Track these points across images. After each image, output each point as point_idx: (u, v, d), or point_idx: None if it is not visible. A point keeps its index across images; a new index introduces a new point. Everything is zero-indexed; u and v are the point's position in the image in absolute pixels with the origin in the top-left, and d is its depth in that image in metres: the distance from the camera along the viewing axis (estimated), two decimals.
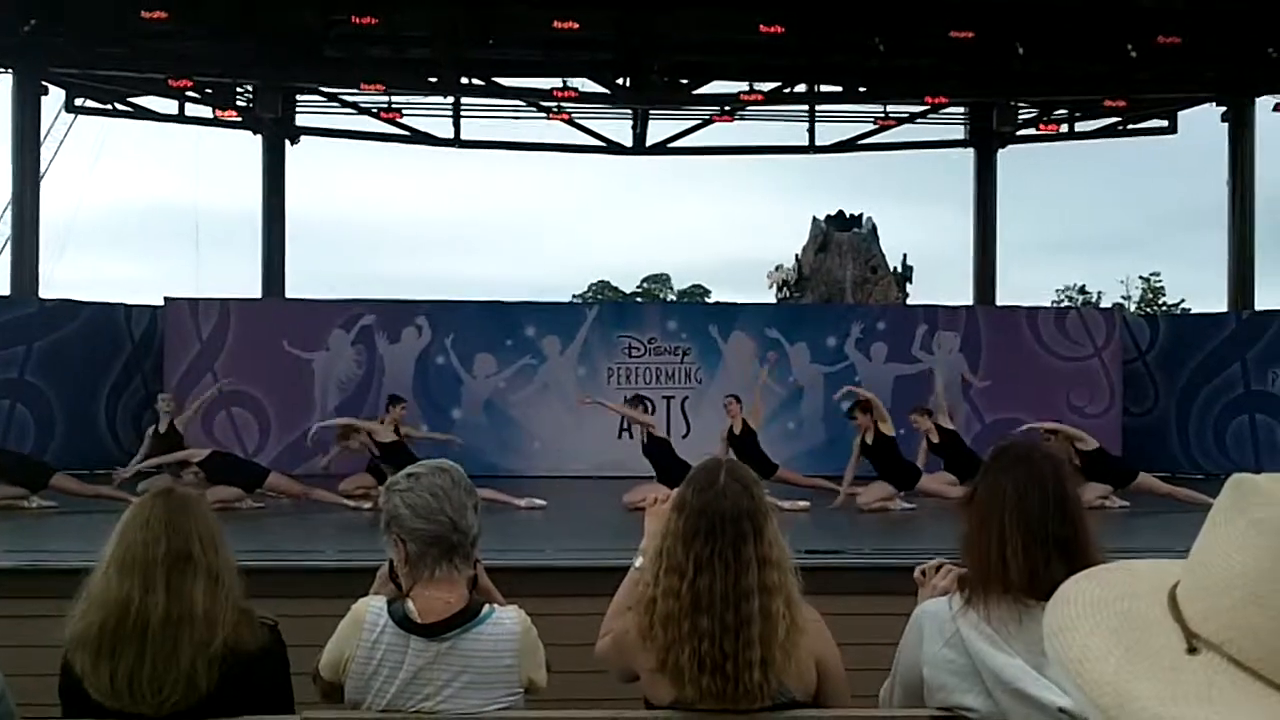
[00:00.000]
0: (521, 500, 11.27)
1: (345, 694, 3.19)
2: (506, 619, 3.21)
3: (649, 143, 21.24)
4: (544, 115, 19.94)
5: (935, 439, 12.45)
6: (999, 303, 19.53)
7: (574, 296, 45.87)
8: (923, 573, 3.31)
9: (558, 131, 20.60)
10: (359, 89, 19.22)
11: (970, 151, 20.87)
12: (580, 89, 18.96)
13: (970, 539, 2.99)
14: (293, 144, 20.75)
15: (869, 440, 11.77)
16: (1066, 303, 40.57)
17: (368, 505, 11.17)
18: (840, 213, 25.42)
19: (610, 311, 20.58)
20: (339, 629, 3.21)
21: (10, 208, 17.69)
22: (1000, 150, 20.58)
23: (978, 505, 3.00)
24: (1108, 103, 18.86)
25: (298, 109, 20.63)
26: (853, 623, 4.01)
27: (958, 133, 21.09)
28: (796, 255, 25.80)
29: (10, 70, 17.07)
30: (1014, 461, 3.03)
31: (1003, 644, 2.85)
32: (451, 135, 20.99)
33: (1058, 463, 3.12)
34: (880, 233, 25.26)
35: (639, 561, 3.44)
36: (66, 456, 15.30)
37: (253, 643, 3.07)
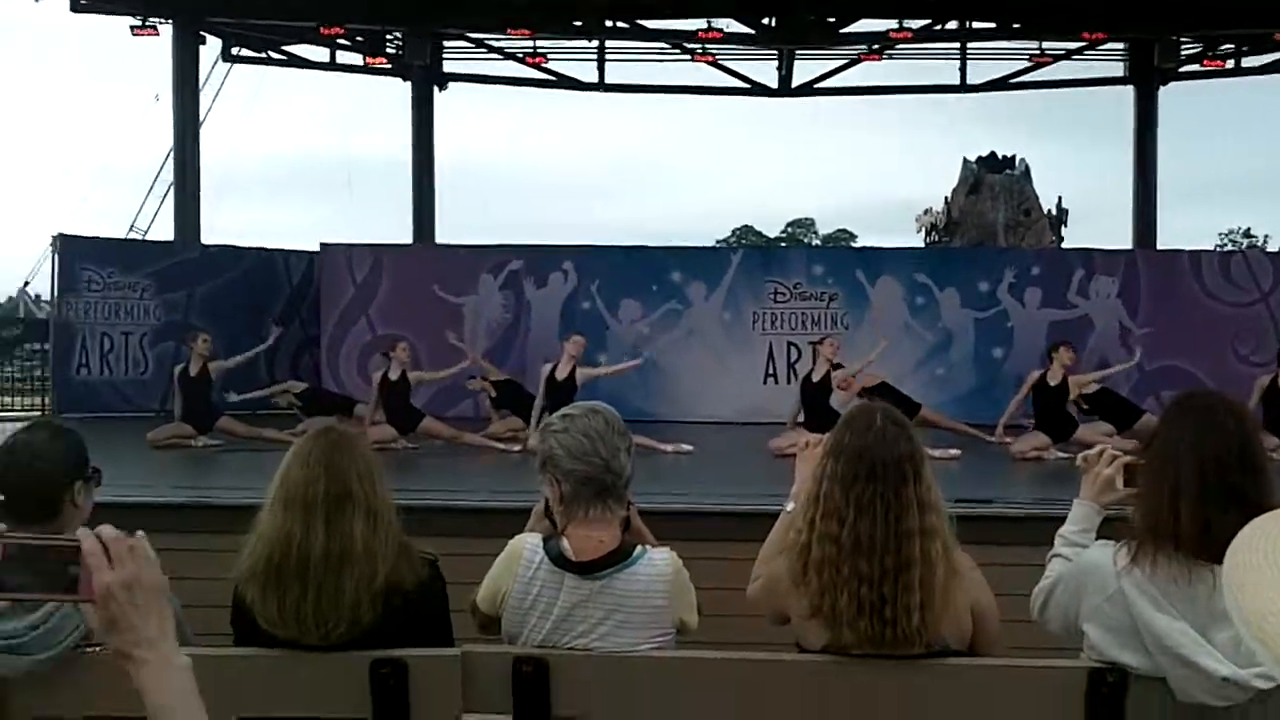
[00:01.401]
0: (668, 445, 11.28)
1: (502, 627, 3.25)
2: (659, 560, 3.23)
3: (795, 84, 20.97)
4: (688, 57, 19.81)
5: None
6: (1159, 247, 18.85)
7: (717, 241, 45.74)
8: (1085, 459, 3.24)
9: (702, 74, 20.47)
10: (505, 34, 19.33)
11: (1130, 89, 20.11)
12: (725, 29, 18.77)
13: (1142, 490, 2.90)
14: (440, 90, 21.00)
15: (1052, 382, 11.35)
16: (1231, 246, 39.00)
17: (516, 448, 11.36)
18: (992, 154, 24.79)
19: (755, 256, 20.47)
20: (496, 563, 3.28)
21: (172, 156, 18.30)
22: (1161, 88, 19.77)
23: (1153, 455, 2.90)
24: (1277, 36, 17.94)
25: (445, 55, 20.86)
26: (1006, 574, 3.93)
27: (1117, 70, 20.34)
28: (946, 198, 25.28)
29: (170, 20, 17.58)
30: (1194, 410, 2.92)
31: (1167, 605, 2.77)
32: (596, 79, 21.01)
33: (1241, 411, 3.00)
34: (1034, 174, 24.59)
35: (790, 506, 3.43)
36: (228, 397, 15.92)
37: (413, 577, 3.14)
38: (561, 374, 11.71)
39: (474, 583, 3.31)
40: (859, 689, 3.01)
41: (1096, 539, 3.14)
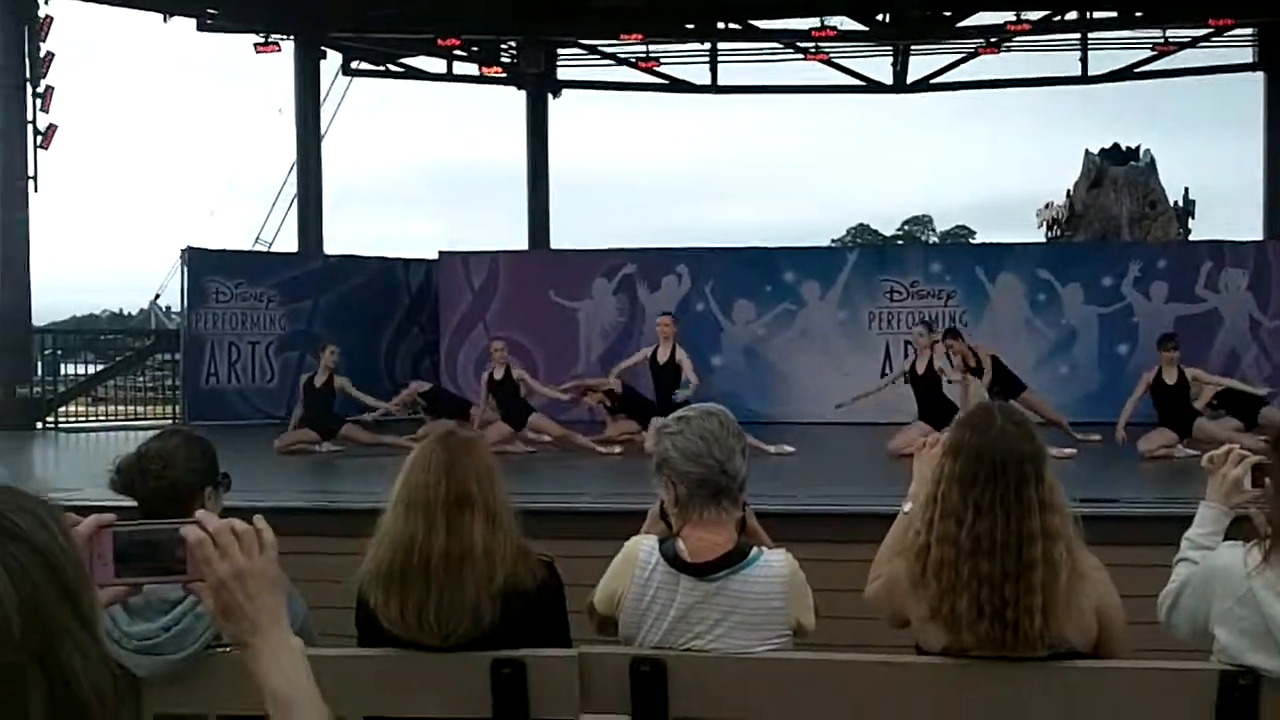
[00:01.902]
0: (771, 446, 11.19)
1: (619, 629, 3.28)
2: (775, 561, 3.22)
3: (910, 79, 20.74)
4: (801, 56, 19.70)
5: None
6: None
7: (832, 241, 45.41)
8: (1211, 460, 3.15)
9: (815, 72, 20.34)
10: (617, 39, 19.44)
11: (1259, 76, 19.46)
12: (838, 27, 18.63)
13: (1273, 488, 2.81)
14: (555, 97, 21.20)
15: (1169, 380, 11.06)
16: None
17: (618, 449, 11.42)
18: (1115, 146, 24.16)
19: (871, 255, 20.26)
20: (613, 565, 3.30)
21: (295, 168, 18.77)
22: None
23: None
24: None
25: (559, 62, 21.06)
26: (1133, 575, 3.84)
27: (1245, 56, 19.70)
28: (1068, 192, 24.71)
29: (291, 36, 18.04)
30: None
31: None
32: (708, 81, 21.02)
33: None
34: (1160, 166, 23.89)
35: (908, 506, 3.39)
36: (349, 405, 16.24)
37: (531, 579, 3.18)
38: (663, 357, 11.80)
39: (590, 585, 3.34)
40: (980, 691, 2.96)
41: (1224, 540, 3.06)
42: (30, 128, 15.38)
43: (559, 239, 21.11)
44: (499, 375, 12.24)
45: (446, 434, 3.36)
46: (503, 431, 11.65)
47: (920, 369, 11.56)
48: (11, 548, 1.16)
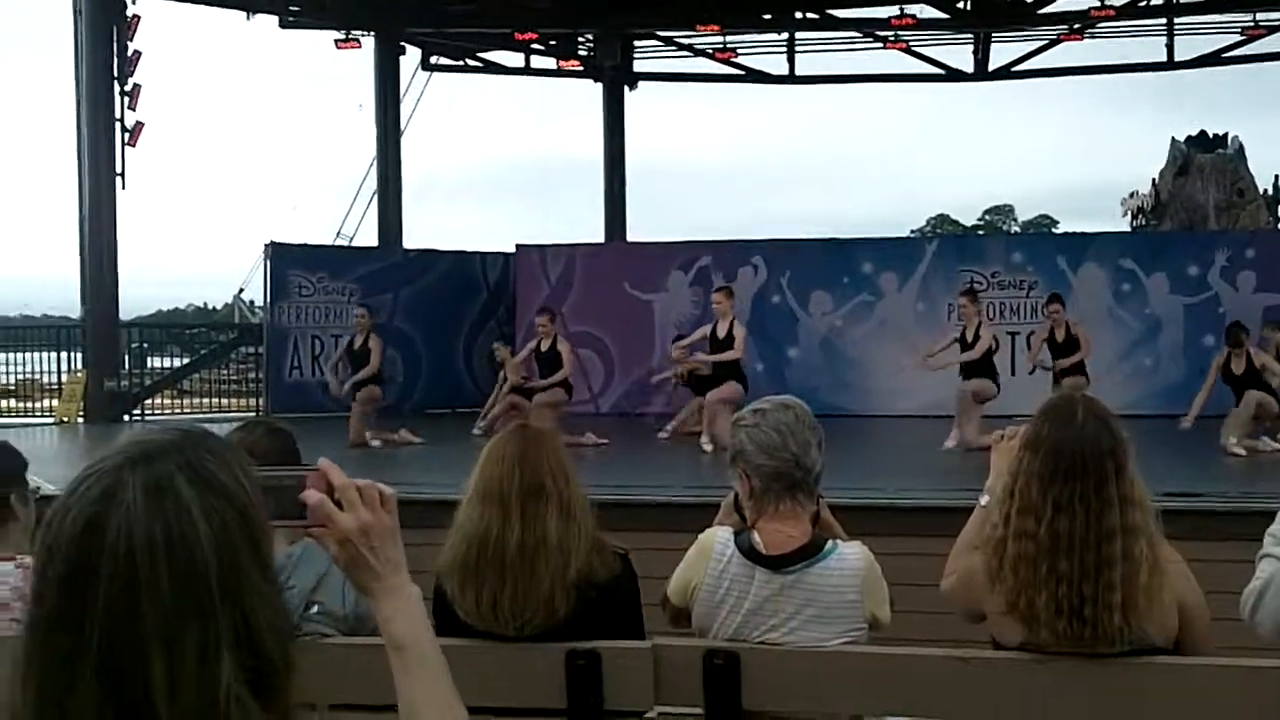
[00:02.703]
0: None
1: (693, 620, 3.28)
2: (850, 554, 3.21)
3: (991, 67, 20.47)
4: (880, 45, 19.53)
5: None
6: None
7: (912, 231, 44.98)
8: None
9: (895, 61, 20.16)
10: (694, 30, 19.41)
11: None
12: (918, 15, 18.44)
13: None
14: (631, 90, 21.23)
15: (1236, 371, 10.92)
16: None
17: (604, 442, 11.66)
18: (1202, 133, 23.66)
19: (950, 245, 20.07)
20: (688, 556, 3.30)
21: (375, 164, 18.99)
22: None
23: None
24: None
25: (635, 55, 21.07)
26: (1218, 570, 3.77)
27: None
28: (1153, 180, 24.25)
29: (371, 33, 18.24)
30: None
31: None
32: (786, 71, 20.91)
33: None
34: (1248, 153, 23.35)
35: (985, 500, 3.35)
36: (430, 396, 16.44)
37: (605, 571, 3.20)
38: (721, 332, 11.83)
39: (664, 577, 3.35)
40: (1057, 687, 2.93)
41: None
42: (118, 125, 15.72)
43: (635, 231, 21.16)
44: (544, 347, 12.41)
45: (521, 427, 3.40)
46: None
47: (969, 337, 11.58)
48: (211, 499, 1.21)
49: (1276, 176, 24.44)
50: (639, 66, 21.27)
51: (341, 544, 1.54)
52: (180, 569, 1.17)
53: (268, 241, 16.49)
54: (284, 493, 1.52)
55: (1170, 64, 19.79)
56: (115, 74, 15.68)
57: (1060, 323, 12.22)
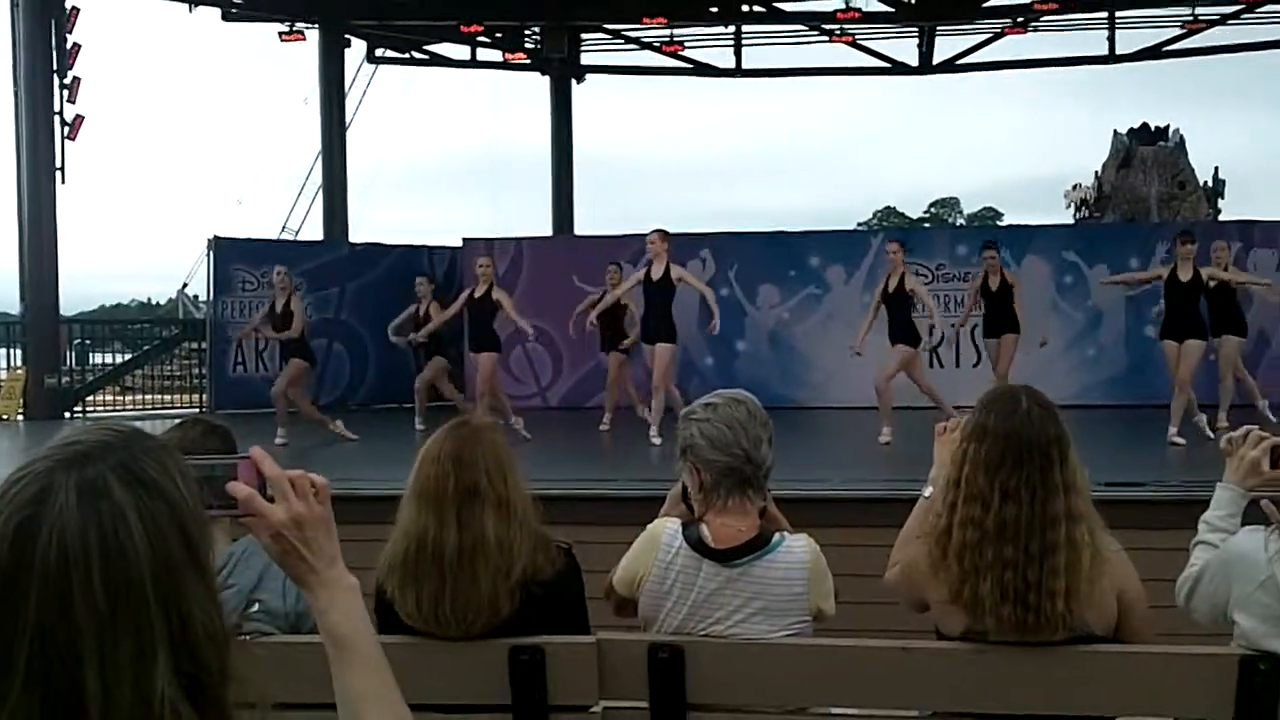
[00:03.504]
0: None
1: (638, 610, 3.27)
2: (796, 547, 3.22)
3: (936, 61, 20.61)
4: (826, 38, 19.61)
5: None
6: None
7: (859, 224, 45.24)
8: (1229, 441, 3.13)
9: (840, 54, 20.24)
10: (641, 23, 19.39)
11: None
12: (863, 9, 18.52)
13: None
14: (579, 83, 21.19)
15: (1183, 277, 11.11)
16: None
17: (520, 425, 11.54)
18: (1144, 125, 23.94)
19: (896, 238, 20.12)
20: (635, 546, 3.29)
21: (320, 157, 18.83)
22: None
23: None
24: None
25: (583, 48, 21.03)
26: (1156, 558, 3.82)
27: (1277, 33, 19.46)
28: (1096, 172, 24.52)
29: (315, 24, 18.07)
30: None
31: None
32: (733, 65, 20.94)
33: None
34: (1189, 145, 23.67)
35: (928, 491, 3.37)
36: (378, 391, 16.33)
37: (549, 568, 3.17)
38: (656, 274, 11.88)
39: (608, 570, 3.34)
40: (1000, 675, 2.95)
41: (1241, 524, 3.03)
42: (57, 119, 15.47)
43: (583, 224, 21.13)
44: (479, 293, 12.47)
45: (457, 424, 3.34)
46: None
47: (891, 287, 11.63)
48: (147, 501, 1.18)
49: (1216, 169, 24.81)
50: (586, 59, 21.24)
51: (274, 536, 1.51)
52: (115, 573, 1.14)
53: (211, 235, 16.31)
54: (215, 482, 1.49)
55: (1112, 57, 20.02)
56: (54, 67, 15.42)
57: (995, 269, 12.44)
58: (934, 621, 3.15)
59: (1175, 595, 3.08)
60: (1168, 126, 23.94)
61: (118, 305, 55.63)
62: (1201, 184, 23.85)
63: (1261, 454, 3.02)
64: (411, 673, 3.07)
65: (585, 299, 13.85)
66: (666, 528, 3.26)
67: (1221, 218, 22.28)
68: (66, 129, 15.53)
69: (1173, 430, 10.59)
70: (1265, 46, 19.65)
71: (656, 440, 11.09)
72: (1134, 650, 2.97)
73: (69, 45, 15.54)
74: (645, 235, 12.32)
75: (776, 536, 3.22)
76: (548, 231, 20.42)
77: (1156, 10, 19.18)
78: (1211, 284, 11.16)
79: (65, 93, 15.53)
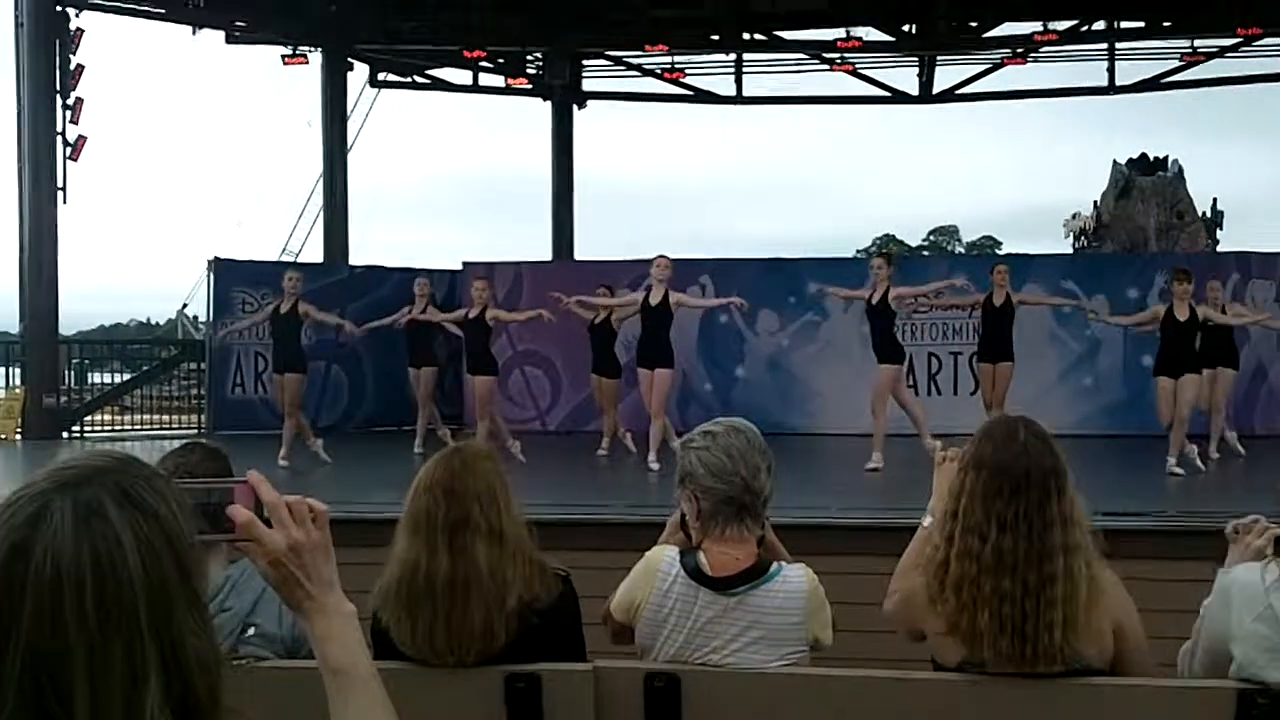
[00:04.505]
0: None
1: (636, 638, 3.27)
2: (794, 577, 3.21)
3: (936, 90, 20.68)
4: (827, 67, 19.68)
5: None
6: None
7: (858, 251, 45.29)
8: (1235, 530, 3.12)
9: (841, 83, 20.31)
10: (643, 50, 19.47)
11: None
12: (864, 38, 18.60)
13: None
14: (580, 109, 21.25)
15: (1180, 317, 11.14)
16: None
17: (517, 447, 11.58)
18: (1143, 156, 24.01)
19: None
20: (633, 573, 3.28)
21: (321, 180, 18.86)
22: None
23: None
24: None
25: (584, 74, 21.10)
26: (1153, 589, 3.82)
27: (1275, 66, 19.56)
28: (1095, 202, 24.58)
29: (319, 49, 18.13)
30: None
31: None
32: (734, 92, 21.01)
33: None
34: (1188, 176, 23.74)
35: (928, 520, 3.37)
36: (376, 413, 16.31)
37: (545, 595, 3.17)
38: (655, 299, 11.92)
39: (606, 597, 3.34)
40: (996, 707, 2.95)
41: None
42: (60, 139, 15.51)
43: (584, 249, 21.15)
44: (473, 314, 12.60)
45: (451, 452, 3.33)
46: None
47: (875, 299, 11.64)
48: (142, 525, 1.18)
49: (1215, 199, 24.88)
50: (588, 85, 21.31)
51: (272, 563, 1.51)
52: (108, 595, 1.14)
53: (211, 257, 16.32)
54: (211, 507, 1.49)
55: (1111, 88, 20.10)
56: (57, 87, 15.46)
57: (1003, 285, 12.52)
58: (931, 652, 3.14)
59: (1179, 664, 3.07)
60: (1167, 157, 24.00)
61: (117, 325, 55.61)
62: (1200, 214, 23.90)
63: (1266, 543, 3.01)
64: (408, 701, 3.06)
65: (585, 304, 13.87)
66: (664, 555, 3.26)
67: (1220, 248, 22.33)
68: (69, 150, 15.55)
69: (1172, 461, 10.61)
70: (1263, 80, 19.74)
71: (655, 466, 11.08)
72: (1131, 683, 2.97)
73: (73, 66, 15.58)
74: (646, 260, 12.37)
75: (774, 565, 3.22)
76: (547, 256, 20.44)
77: (1156, 42, 19.26)
78: (1208, 324, 11.23)
79: (68, 113, 15.56)
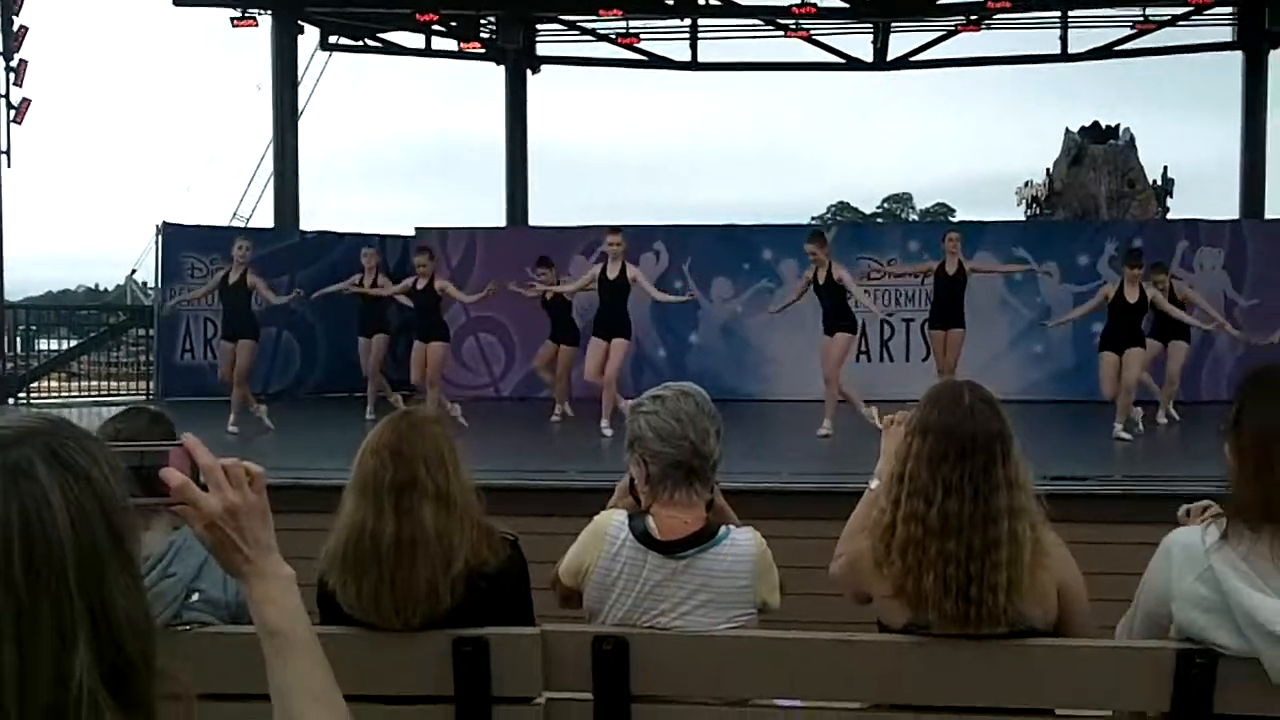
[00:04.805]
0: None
1: (584, 602, 3.27)
2: (742, 540, 3.23)
3: (890, 57, 20.68)
4: (782, 33, 19.63)
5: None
6: (1269, 216, 18.27)
7: (812, 218, 45.39)
8: (1187, 513, 3.15)
9: (796, 50, 20.28)
10: (597, 15, 19.34)
11: (1238, 55, 19.49)
12: (819, 4, 18.57)
13: (1244, 467, 2.78)
14: (534, 74, 21.09)
15: (1130, 299, 11.29)
16: None
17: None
18: (1095, 124, 24.19)
19: (849, 233, 20.29)
20: (581, 538, 3.29)
21: (271, 146, 18.64)
22: (1272, 52, 19.13)
23: (1252, 430, 2.78)
24: None
25: (538, 38, 20.93)
26: (1097, 552, 3.86)
27: (1225, 35, 19.72)
28: (1048, 170, 24.75)
29: (269, 10, 17.88)
30: None
31: (1260, 583, 2.68)
32: (689, 58, 20.93)
33: None
34: (1139, 144, 23.93)
35: (874, 483, 3.39)
36: (328, 380, 16.21)
37: (493, 559, 3.16)
38: (612, 273, 11.97)
39: (555, 561, 3.34)
40: (941, 668, 2.98)
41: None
42: (3, 102, 15.24)
43: (538, 215, 21.04)
44: (421, 285, 12.64)
45: (399, 415, 3.32)
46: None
47: (821, 279, 11.75)
48: (73, 485, 1.16)
49: (1165, 168, 25.11)
50: (542, 50, 21.13)
51: (208, 526, 1.49)
52: (36, 555, 1.12)
53: (160, 222, 16.12)
54: (145, 470, 1.47)
55: (1064, 56, 20.19)
56: (1, 49, 15.18)
57: (955, 252, 12.60)
58: (877, 614, 3.17)
59: (1117, 635, 3.10)
60: (1118, 126, 24.20)
61: (65, 291, 54.88)
62: (1151, 183, 24.13)
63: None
64: (356, 664, 3.06)
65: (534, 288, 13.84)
66: (613, 519, 3.27)
67: (1169, 216, 22.56)
68: (13, 113, 15.29)
69: (1119, 427, 10.77)
70: (1214, 48, 19.89)
71: (607, 432, 11.10)
72: (1073, 644, 3.00)
73: (16, 28, 15.31)
74: (600, 227, 12.33)
75: (723, 529, 3.23)
76: (501, 222, 20.32)
77: (1108, 10, 19.36)
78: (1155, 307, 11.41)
79: (12, 76, 15.30)
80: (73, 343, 18.53)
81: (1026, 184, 25.97)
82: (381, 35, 20.17)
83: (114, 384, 17.80)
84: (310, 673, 1.54)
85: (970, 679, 2.95)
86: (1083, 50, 20.17)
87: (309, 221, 18.33)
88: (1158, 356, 11.97)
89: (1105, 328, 11.55)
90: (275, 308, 13.79)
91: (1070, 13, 19.57)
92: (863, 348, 14.91)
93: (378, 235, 17.45)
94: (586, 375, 12.12)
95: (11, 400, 15.37)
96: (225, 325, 12.94)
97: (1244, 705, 2.80)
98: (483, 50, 20.39)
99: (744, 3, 19.50)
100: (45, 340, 18.61)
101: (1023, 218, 24.39)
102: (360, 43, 20.06)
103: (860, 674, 3.03)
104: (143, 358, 17.92)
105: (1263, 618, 2.66)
